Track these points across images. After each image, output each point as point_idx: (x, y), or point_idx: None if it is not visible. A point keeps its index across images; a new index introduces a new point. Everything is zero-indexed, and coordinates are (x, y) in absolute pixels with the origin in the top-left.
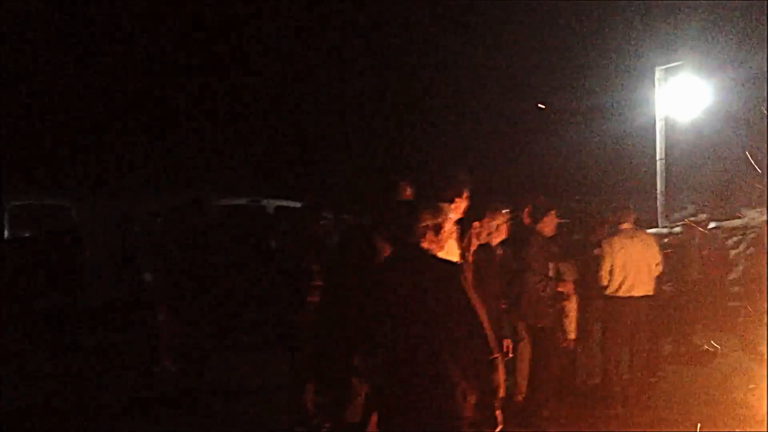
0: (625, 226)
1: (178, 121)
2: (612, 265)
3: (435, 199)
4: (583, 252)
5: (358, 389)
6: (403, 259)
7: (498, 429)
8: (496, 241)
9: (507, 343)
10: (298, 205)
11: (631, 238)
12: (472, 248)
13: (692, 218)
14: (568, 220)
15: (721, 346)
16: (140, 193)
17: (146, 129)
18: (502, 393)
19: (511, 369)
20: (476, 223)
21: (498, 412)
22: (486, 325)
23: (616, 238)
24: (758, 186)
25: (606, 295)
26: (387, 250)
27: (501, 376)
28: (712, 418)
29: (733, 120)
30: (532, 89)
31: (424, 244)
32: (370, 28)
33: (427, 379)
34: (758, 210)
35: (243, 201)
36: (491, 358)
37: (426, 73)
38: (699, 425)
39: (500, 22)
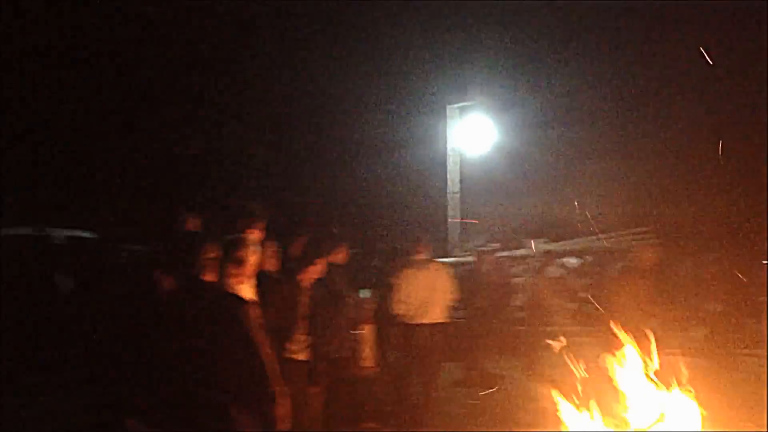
0: (419, 257)
1: None
2: (405, 294)
3: (227, 230)
4: (379, 281)
5: (134, 429)
6: (185, 293)
7: None
8: (296, 273)
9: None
10: (91, 235)
11: (424, 268)
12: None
13: (482, 248)
14: (361, 251)
15: (507, 369)
16: None
17: None
18: (285, 425)
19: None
20: (267, 252)
21: None
22: (270, 358)
23: (409, 269)
24: (539, 218)
25: (400, 323)
26: (168, 284)
27: (284, 408)
28: None
29: (519, 157)
30: (327, 123)
31: (225, 279)
32: (155, 51)
33: (204, 416)
34: (543, 240)
35: (27, 231)
36: (272, 390)
37: (214, 105)
38: None
39: (305, 57)
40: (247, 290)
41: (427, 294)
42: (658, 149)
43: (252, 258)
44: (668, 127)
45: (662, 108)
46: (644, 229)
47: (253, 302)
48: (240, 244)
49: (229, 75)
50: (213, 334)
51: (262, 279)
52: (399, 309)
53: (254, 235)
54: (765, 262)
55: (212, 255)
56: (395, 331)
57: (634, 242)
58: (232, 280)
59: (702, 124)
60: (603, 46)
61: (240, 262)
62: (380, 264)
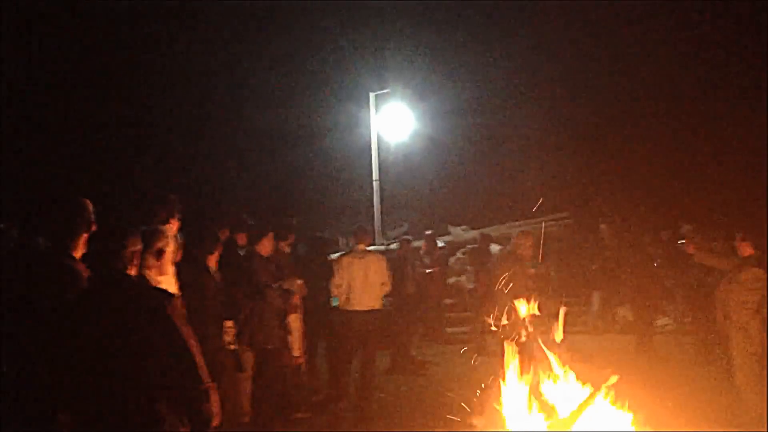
0: (360, 246)
1: None
2: (341, 281)
3: (146, 221)
4: (307, 270)
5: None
6: (105, 287)
7: None
8: (213, 264)
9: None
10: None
11: (362, 257)
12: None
13: (406, 235)
14: (289, 240)
15: (432, 355)
16: None
17: None
18: (216, 422)
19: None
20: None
21: None
22: (198, 354)
23: (346, 257)
24: (456, 205)
25: (334, 309)
26: (85, 278)
27: (215, 405)
28: (429, 423)
29: (435, 145)
30: (252, 112)
31: (138, 271)
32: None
33: (132, 416)
34: (462, 227)
35: None
36: (203, 388)
37: (132, 100)
38: None
39: (230, 50)
40: (168, 282)
41: (361, 282)
42: (574, 138)
43: (171, 249)
44: (582, 117)
45: (577, 96)
46: (563, 214)
47: (176, 294)
48: (159, 235)
49: (147, 69)
50: (138, 330)
51: (180, 270)
52: (335, 295)
53: (172, 225)
54: (681, 242)
55: (134, 248)
56: (331, 318)
57: (555, 228)
58: (151, 273)
59: (615, 111)
60: (516, 36)
61: (160, 254)
62: (307, 253)
